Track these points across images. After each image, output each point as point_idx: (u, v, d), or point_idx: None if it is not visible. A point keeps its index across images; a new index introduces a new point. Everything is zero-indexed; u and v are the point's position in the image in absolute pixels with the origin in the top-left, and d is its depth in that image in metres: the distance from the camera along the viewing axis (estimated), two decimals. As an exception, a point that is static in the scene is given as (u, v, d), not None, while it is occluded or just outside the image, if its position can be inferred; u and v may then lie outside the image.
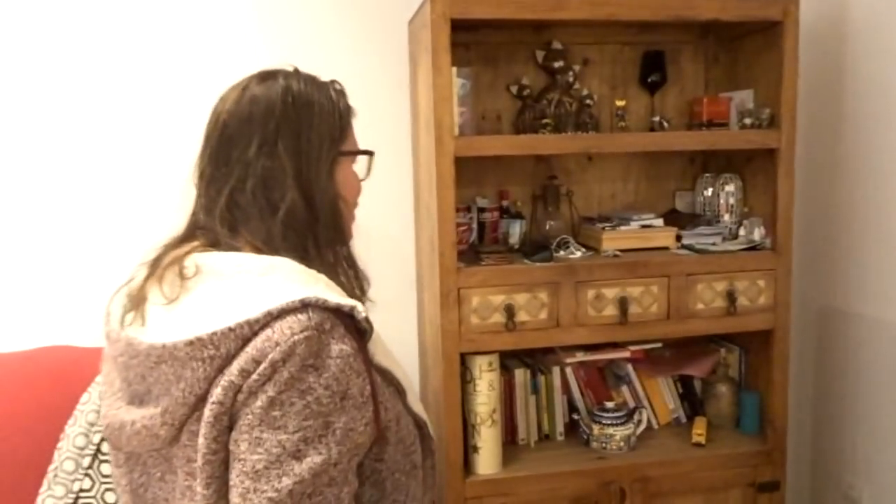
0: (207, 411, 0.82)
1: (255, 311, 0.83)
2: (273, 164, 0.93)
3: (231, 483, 0.82)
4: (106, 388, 0.96)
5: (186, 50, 2.00)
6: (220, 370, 0.82)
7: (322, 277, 0.92)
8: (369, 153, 1.05)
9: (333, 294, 0.89)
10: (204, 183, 0.97)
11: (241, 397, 0.81)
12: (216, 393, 0.81)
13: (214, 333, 0.82)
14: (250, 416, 0.81)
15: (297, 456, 0.80)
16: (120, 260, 2.00)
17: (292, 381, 0.81)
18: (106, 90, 1.97)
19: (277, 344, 0.81)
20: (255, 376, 0.81)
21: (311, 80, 1.00)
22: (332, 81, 1.02)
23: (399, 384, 0.97)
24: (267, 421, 0.80)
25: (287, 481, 0.79)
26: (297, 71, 1.00)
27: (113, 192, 2.00)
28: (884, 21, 1.99)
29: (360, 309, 0.89)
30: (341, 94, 1.01)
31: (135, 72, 1.98)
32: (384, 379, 0.94)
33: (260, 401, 0.80)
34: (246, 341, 0.82)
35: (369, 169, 1.06)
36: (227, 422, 0.82)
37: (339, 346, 0.84)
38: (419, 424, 1.01)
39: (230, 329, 0.82)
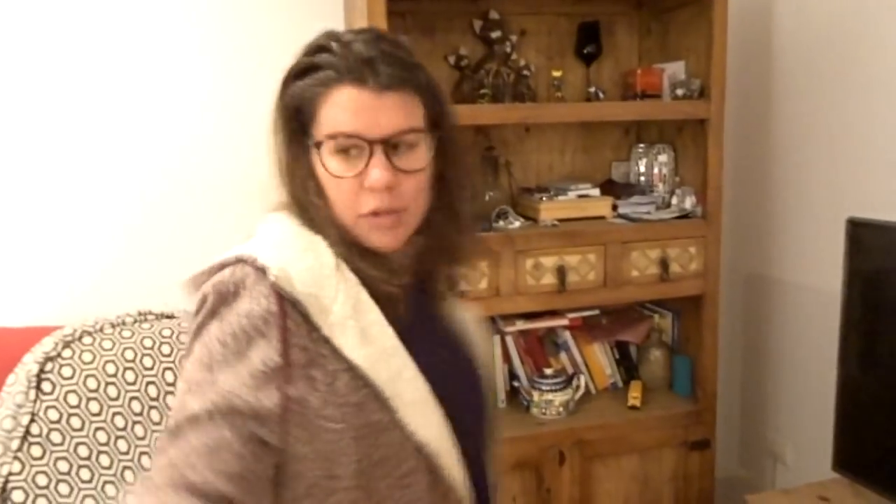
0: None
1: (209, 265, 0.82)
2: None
3: None
4: None
5: (111, 14, 1.91)
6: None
7: (301, 241, 0.83)
8: (317, 143, 0.83)
9: (289, 258, 0.80)
10: None
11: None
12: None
13: (188, 280, 0.83)
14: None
15: (182, 406, 0.76)
16: (42, 240, 1.93)
17: (199, 330, 0.79)
18: (27, 70, 1.87)
19: (199, 294, 0.80)
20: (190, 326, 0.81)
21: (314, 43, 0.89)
22: (320, 48, 0.89)
23: (380, 392, 0.79)
24: (182, 370, 0.80)
25: (170, 423, 0.76)
26: (325, 37, 0.91)
27: (38, 172, 1.91)
28: (807, -5, 2.05)
29: (275, 274, 0.77)
30: (310, 66, 0.87)
31: (63, 50, 1.89)
32: (355, 377, 0.78)
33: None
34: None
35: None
36: None
37: (250, 305, 0.76)
38: (426, 454, 0.81)
39: (192, 279, 0.83)
